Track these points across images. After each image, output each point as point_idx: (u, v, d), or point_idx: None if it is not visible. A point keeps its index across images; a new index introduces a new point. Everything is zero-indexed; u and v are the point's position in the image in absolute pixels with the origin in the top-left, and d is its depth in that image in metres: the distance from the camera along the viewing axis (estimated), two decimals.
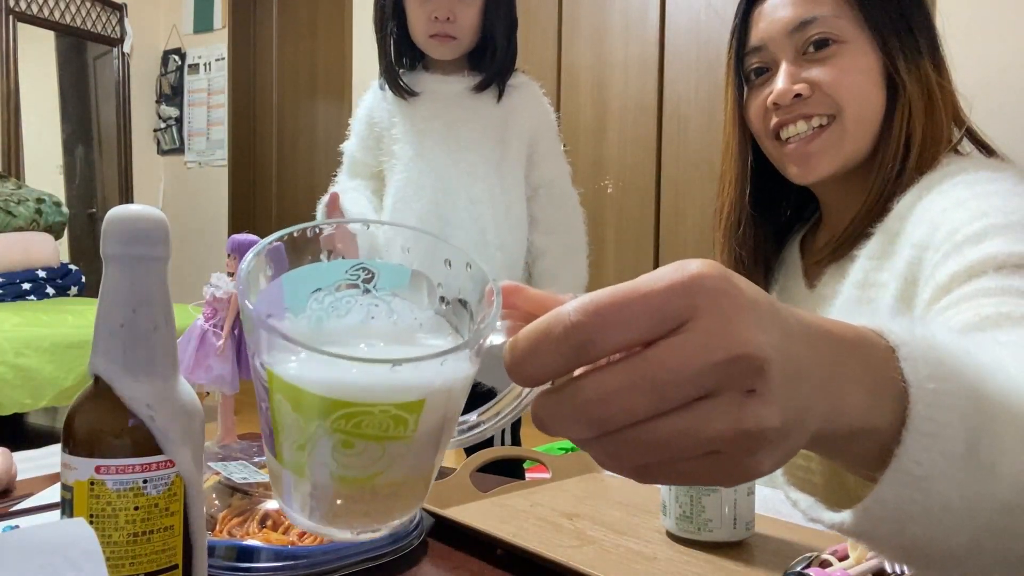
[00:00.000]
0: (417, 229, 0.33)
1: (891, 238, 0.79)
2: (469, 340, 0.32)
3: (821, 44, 0.84)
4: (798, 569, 0.57)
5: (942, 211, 0.74)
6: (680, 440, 0.30)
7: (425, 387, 0.31)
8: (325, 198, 1.33)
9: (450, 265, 0.35)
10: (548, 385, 0.32)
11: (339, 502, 0.34)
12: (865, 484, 0.38)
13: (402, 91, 1.40)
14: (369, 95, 1.48)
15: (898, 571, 0.57)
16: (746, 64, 0.91)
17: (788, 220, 1.01)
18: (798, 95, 0.85)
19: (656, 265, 3.59)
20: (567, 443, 2.71)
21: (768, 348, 0.30)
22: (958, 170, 0.78)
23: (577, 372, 0.31)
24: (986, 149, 0.85)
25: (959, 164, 0.79)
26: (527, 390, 0.34)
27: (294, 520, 0.35)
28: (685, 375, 0.29)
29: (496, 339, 0.34)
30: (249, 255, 0.32)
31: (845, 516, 0.38)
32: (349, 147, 1.47)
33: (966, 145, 0.85)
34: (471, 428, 0.36)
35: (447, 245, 0.34)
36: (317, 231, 0.34)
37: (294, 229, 0.34)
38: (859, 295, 0.81)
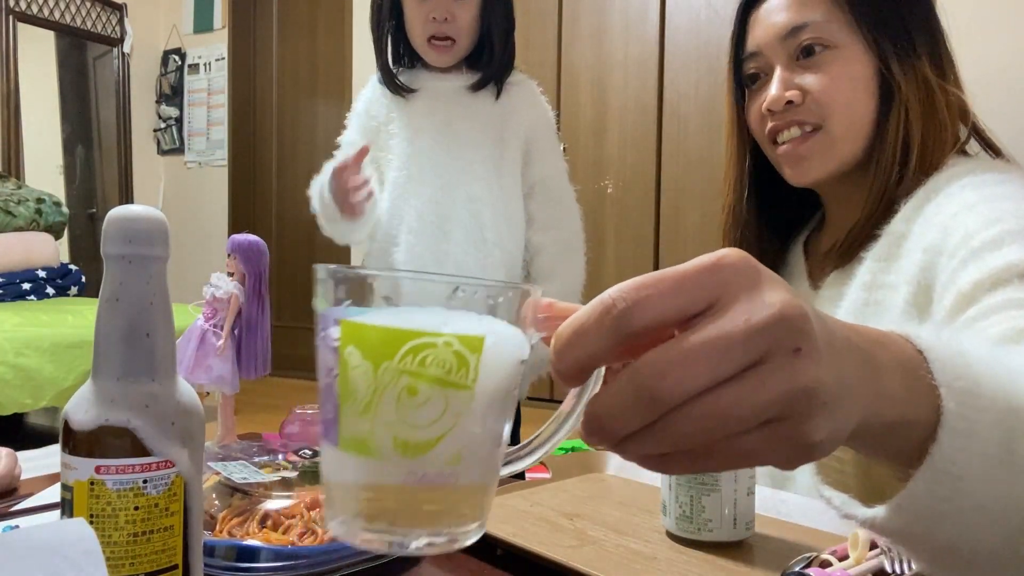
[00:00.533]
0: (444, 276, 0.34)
1: (897, 240, 0.79)
2: (516, 292, 0.34)
3: (810, 51, 0.84)
4: (796, 569, 0.57)
5: (952, 215, 0.73)
6: (739, 408, 0.30)
7: (479, 327, 0.32)
8: (335, 162, 1.29)
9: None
10: (597, 389, 0.33)
11: (402, 485, 0.33)
12: (898, 485, 0.38)
13: (399, 89, 1.40)
14: (368, 89, 1.47)
15: (898, 571, 0.57)
16: (744, 69, 0.91)
17: (792, 222, 1.00)
18: (790, 102, 0.85)
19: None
20: (567, 443, 2.71)
21: (805, 309, 0.30)
22: (964, 172, 0.78)
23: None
24: (993, 150, 0.85)
25: (965, 166, 0.79)
26: (580, 402, 0.34)
27: (345, 532, 0.34)
28: (735, 341, 0.29)
29: (534, 337, 0.35)
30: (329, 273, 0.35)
31: (878, 512, 0.38)
32: (348, 136, 1.47)
33: (973, 145, 0.85)
34: (524, 449, 0.36)
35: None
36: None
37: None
38: (866, 297, 0.80)
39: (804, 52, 0.85)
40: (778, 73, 0.86)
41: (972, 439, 0.36)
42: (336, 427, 0.34)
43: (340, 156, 1.34)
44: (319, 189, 1.34)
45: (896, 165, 0.82)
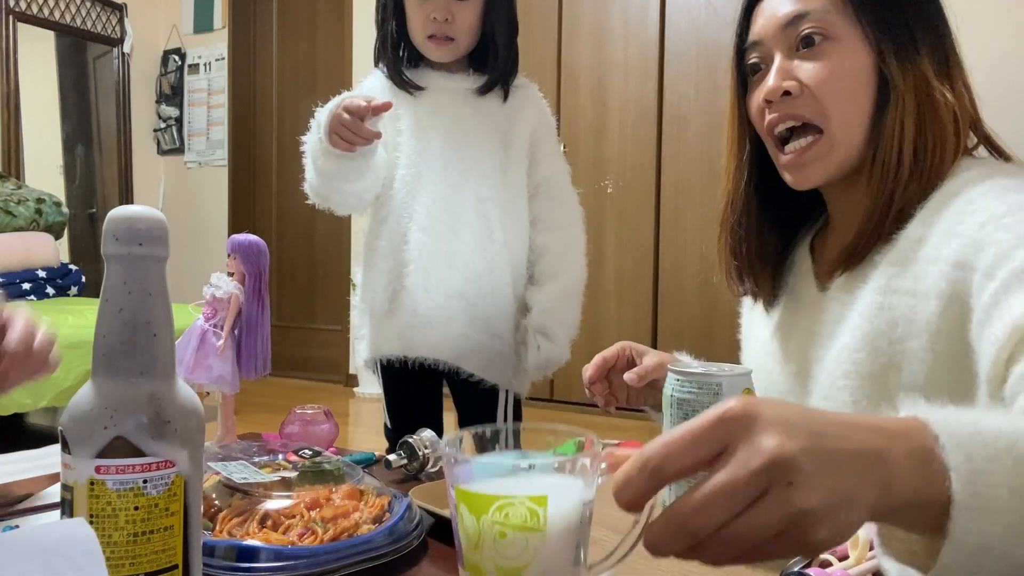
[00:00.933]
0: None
1: (914, 245, 0.78)
2: (575, 459, 0.48)
3: (810, 40, 0.84)
4: (796, 569, 0.57)
5: (979, 226, 0.73)
6: (752, 532, 0.40)
7: (546, 487, 0.46)
8: (348, 97, 1.22)
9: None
10: (653, 517, 0.44)
11: None
12: None
13: (407, 86, 1.39)
14: (371, 79, 1.46)
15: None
16: (746, 59, 0.92)
17: (796, 220, 1.00)
18: (787, 92, 0.85)
19: (656, 265, 3.59)
20: (569, 444, 2.71)
21: (794, 449, 0.40)
22: (981, 177, 0.77)
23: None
24: (1002, 156, 0.85)
25: (980, 170, 0.78)
26: (637, 528, 0.45)
27: None
28: (740, 485, 0.39)
29: (599, 479, 0.49)
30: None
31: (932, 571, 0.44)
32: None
33: (981, 149, 0.85)
34: (602, 561, 0.49)
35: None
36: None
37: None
38: (881, 301, 0.80)
39: (804, 42, 0.85)
40: (777, 62, 0.87)
41: (987, 513, 0.42)
42: (462, 555, 0.49)
43: (357, 95, 1.25)
44: (323, 114, 1.26)
45: (896, 164, 0.82)
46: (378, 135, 1.24)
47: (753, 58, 0.90)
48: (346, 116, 1.20)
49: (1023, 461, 0.43)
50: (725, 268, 0.99)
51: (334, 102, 1.24)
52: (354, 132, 1.21)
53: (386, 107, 1.21)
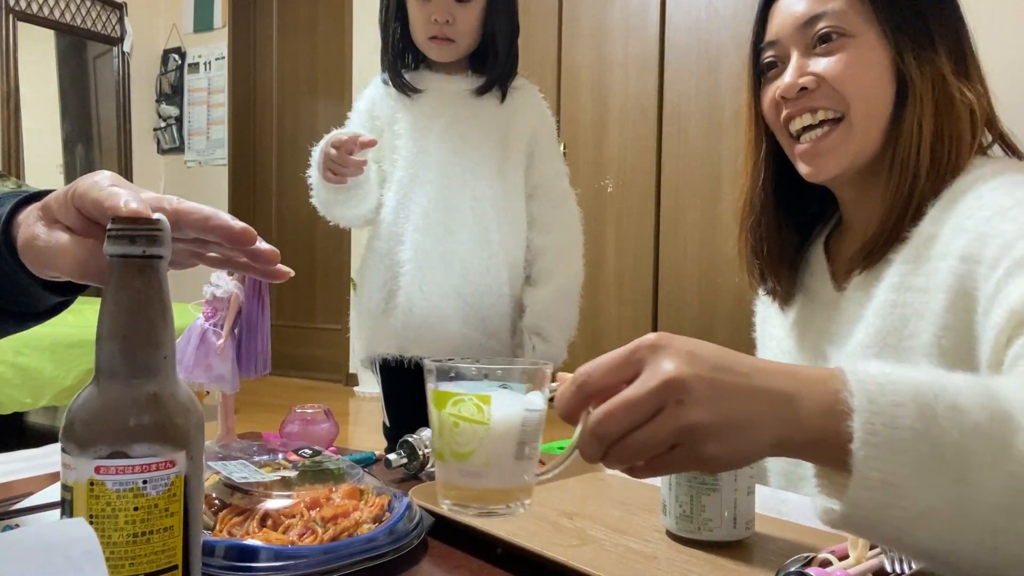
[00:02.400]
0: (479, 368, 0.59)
1: (926, 242, 0.79)
2: (515, 374, 0.58)
3: (827, 38, 0.85)
4: (792, 569, 0.57)
5: (986, 220, 0.73)
6: (650, 441, 0.47)
7: (493, 390, 0.57)
8: (339, 132, 1.30)
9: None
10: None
11: (460, 478, 0.58)
12: None
13: (405, 88, 1.40)
14: (371, 89, 1.48)
15: (898, 571, 0.57)
16: (762, 58, 0.92)
17: (811, 216, 1.00)
18: (804, 88, 0.86)
19: (656, 265, 3.59)
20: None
21: (688, 373, 0.47)
22: (991, 173, 0.77)
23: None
24: (1016, 154, 0.85)
25: (991, 167, 0.79)
26: (575, 438, 0.52)
27: (446, 507, 0.61)
28: (640, 399, 0.47)
29: (547, 393, 0.58)
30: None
31: (835, 509, 0.48)
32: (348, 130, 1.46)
33: (996, 150, 0.85)
34: (546, 469, 0.57)
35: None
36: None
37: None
38: (894, 298, 0.80)
39: (820, 40, 0.85)
40: (794, 60, 0.87)
41: (891, 452, 0.45)
42: (434, 445, 0.60)
43: (346, 131, 1.33)
44: (317, 151, 1.35)
45: (915, 163, 0.82)
46: (363, 163, 1.30)
47: (769, 57, 0.91)
48: (333, 152, 1.29)
49: (929, 407, 0.46)
50: (747, 267, 1.00)
51: (325, 139, 1.32)
52: (342, 165, 1.29)
53: (371, 143, 1.29)
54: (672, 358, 0.47)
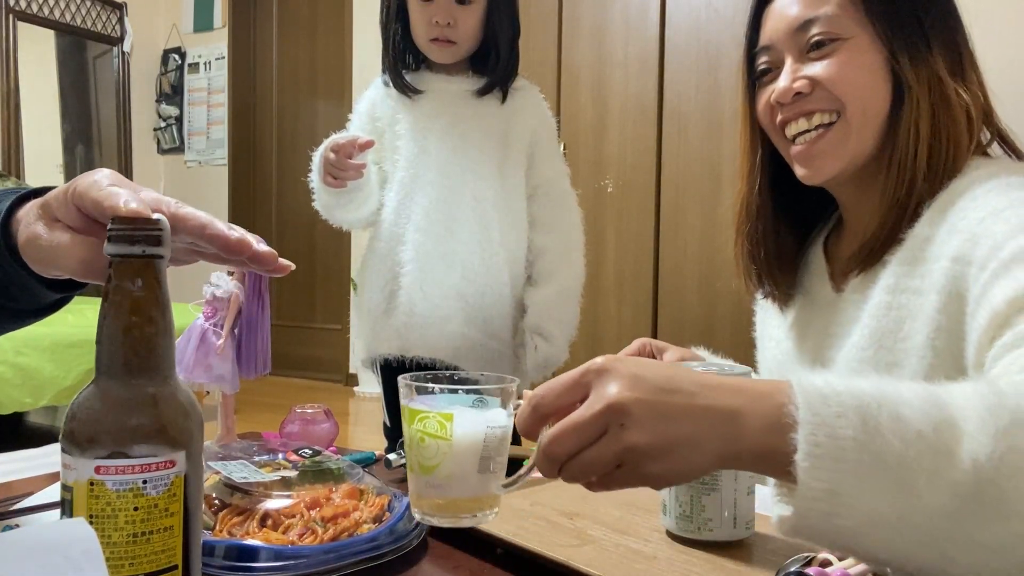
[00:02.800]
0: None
1: (921, 244, 0.78)
2: (474, 399, 0.63)
3: (820, 44, 0.84)
4: (792, 569, 0.57)
5: (979, 221, 0.73)
6: (596, 461, 0.50)
7: (456, 408, 0.61)
8: (338, 136, 1.31)
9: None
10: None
11: (426, 490, 0.62)
12: None
13: (406, 89, 1.40)
14: (372, 90, 1.48)
15: None
16: (756, 63, 0.92)
17: (810, 218, 1.00)
18: (799, 93, 0.85)
19: (656, 264, 3.59)
20: None
21: (629, 398, 0.49)
22: (987, 175, 0.77)
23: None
24: (1016, 153, 0.84)
25: (988, 168, 0.78)
26: (534, 455, 0.54)
27: (416, 516, 0.65)
28: (585, 422, 0.50)
29: (510, 410, 0.62)
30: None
31: (785, 517, 0.49)
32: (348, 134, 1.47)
33: (996, 149, 0.85)
34: (511, 484, 0.61)
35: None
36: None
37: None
38: (889, 300, 0.80)
39: (814, 45, 0.85)
40: (788, 65, 0.87)
41: (834, 462, 0.46)
42: (407, 456, 0.64)
43: (345, 134, 1.34)
44: (317, 156, 1.36)
45: (911, 165, 0.81)
46: (362, 166, 1.31)
47: (763, 63, 0.90)
48: (332, 156, 1.29)
49: (872, 417, 0.47)
50: (744, 272, 0.99)
51: (325, 144, 1.32)
52: (341, 169, 1.29)
53: (369, 144, 1.29)
54: (616, 382, 0.50)
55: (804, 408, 0.48)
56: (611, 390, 0.50)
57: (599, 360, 0.52)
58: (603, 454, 0.50)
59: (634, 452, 0.49)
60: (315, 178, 1.37)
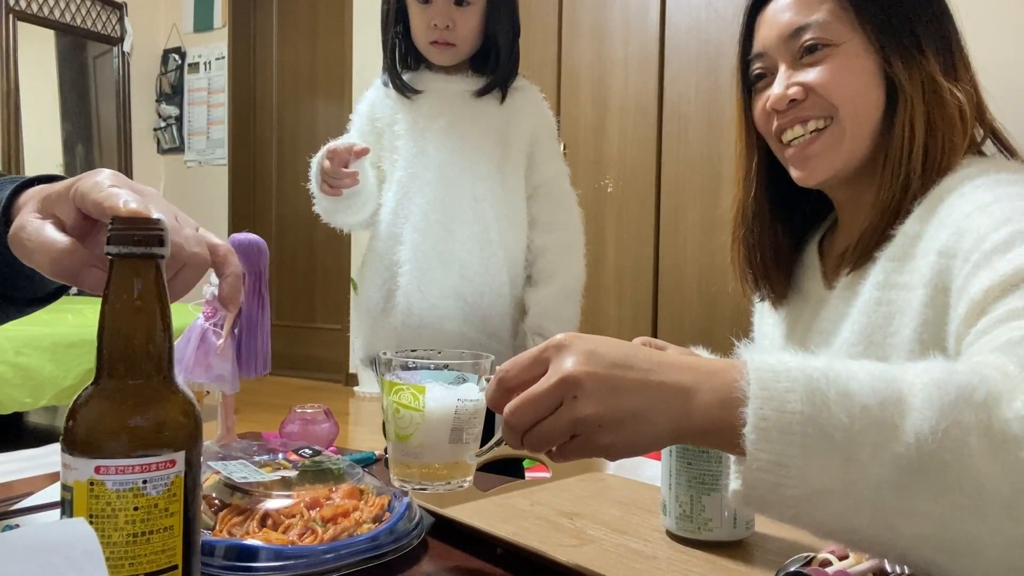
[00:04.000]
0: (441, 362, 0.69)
1: (911, 240, 0.79)
2: (449, 374, 0.67)
3: (813, 49, 0.85)
4: (792, 569, 0.57)
5: (966, 216, 0.73)
6: (552, 431, 0.53)
7: (428, 383, 0.66)
8: (334, 143, 1.32)
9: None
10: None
11: (402, 456, 0.67)
12: None
13: (405, 89, 1.40)
14: (372, 91, 1.48)
15: (899, 571, 0.57)
16: (751, 69, 0.92)
17: (807, 220, 1.01)
18: (793, 100, 0.86)
19: (656, 264, 3.58)
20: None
21: (582, 371, 0.52)
22: (978, 172, 0.77)
23: None
24: (1009, 151, 0.85)
25: (979, 166, 0.79)
26: (501, 427, 0.57)
27: (395, 482, 0.69)
28: (541, 395, 0.53)
29: (482, 385, 0.66)
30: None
31: (736, 488, 0.51)
32: (348, 141, 1.48)
33: (989, 147, 0.85)
34: (484, 452, 0.66)
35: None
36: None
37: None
38: (879, 296, 0.81)
39: (807, 51, 0.85)
40: (782, 72, 0.87)
41: (781, 434, 0.48)
42: (385, 427, 0.68)
43: (341, 141, 1.35)
44: (315, 163, 1.37)
45: (906, 165, 0.82)
46: (357, 173, 1.32)
47: (757, 68, 0.91)
48: (327, 164, 1.30)
49: (820, 392, 0.49)
50: (740, 276, 1.00)
51: (322, 151, 1.33)
52: (336, 177, 1.30)
53: (364, 152, 1.30)
54: (572, 357, 0.53)
55: (755, 383, 0.50)
56: (567, 364, 0.52)
57: (560, 336, 0.55)
58: (558, 425, 0.52)
59: (586, 423, 0.52)
60: (313, 185, 1.38)
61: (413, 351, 0.70)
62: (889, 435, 0.47)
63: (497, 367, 0.59)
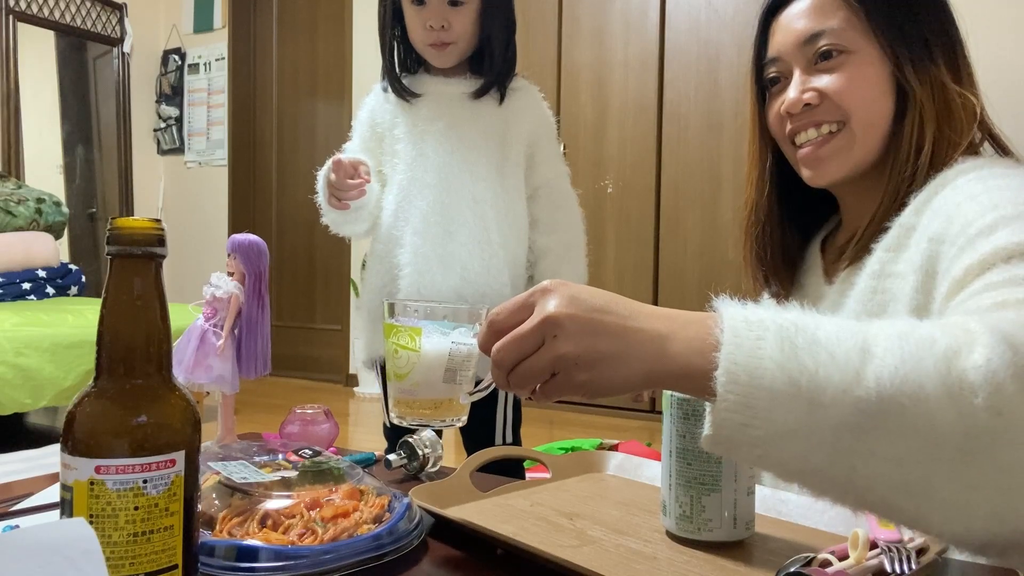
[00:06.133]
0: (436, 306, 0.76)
1: (906, 231, 0.81)
2: (446, 325, 0.73)
3: (827, 55, 0.87)
4: (792, 569, 0.57)
5: (956, 205, 0.75)
6: (535, 369, 0.56)
7: (423, 325, 0.72)
8: (340, 156, 1.33)
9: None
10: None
11: (399, 394, 0.73)
12: None
13: (404, 93, 1.40)
14: (371, 97, 1.48)
15: (898, 571, 0.57)
16: (765, 73, 0.95)
17: (813, 220, 1.03)
18: (807, 104, 0.88)
19: (656, 264, 3.59)
20: (567, 443, 2.71)
21: (563, 313, 0.55)
22: (972, 167, 0.80)
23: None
24: (1005, 152, 0.87)
25: (974, 161, 0.81)
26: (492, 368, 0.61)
27: (392, 417, 0.76)
28: (525, 334, 0.56)
29: (474, 330, 0.73)
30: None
31: (706, 432, 0.53)
32: (351, 147, 1.48)
33: (987, 148, 0.87)
34: (476, 392, 0.68)
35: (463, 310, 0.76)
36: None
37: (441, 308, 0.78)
38: (874, 285, 0.83)
39: (821, 57, 0.88)
40: (796, 77, 0.90)
41: (751, 378, 0.51)
42: (387, 367, 0.76)
43: (346, 155, 1.35)
44: (321, 176, 1.38)
45: (913, 166, 0.84)
46: (363, 183, 1.33)
47: (772, 73, 0.94)
48: (332, 176, 1.32)
49: (789, 340, 0.52)
50: (752, 273, 1.03)
51: (327, 164, 1.34)
52: (342, 189, 1.32)
53: (367, 175, 1.33)
54: (555, 300, 0.56)
55: (728, 331, 0.53)
56: (549, 306, 0.56)
57: (546, 282, 0.58)
58: (539, 362, 0.56)
59: (564, 361, 0.55)
60: (321, 197, 1.39)
61: (417, 300, 0.74)
62: (851, 380, 0.50)
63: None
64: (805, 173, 0.92)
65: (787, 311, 0.55)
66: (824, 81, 0.88)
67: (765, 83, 0.96)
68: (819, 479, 0.52)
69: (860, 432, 0.50)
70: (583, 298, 0.56)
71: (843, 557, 0.59)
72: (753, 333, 0.52)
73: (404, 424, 0.73)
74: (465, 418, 0.72)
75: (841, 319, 0.55)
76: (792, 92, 0.89)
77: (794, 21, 0.90)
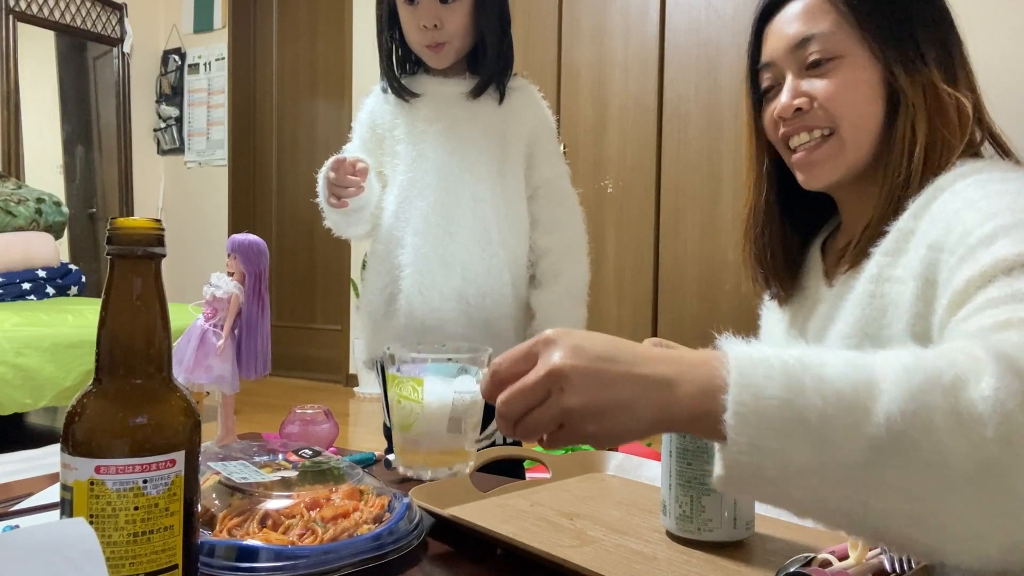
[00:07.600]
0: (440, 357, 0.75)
1: (905, 235, 0.81)
2: (448, 370, 0.73)
3: (818, 63, 0.88)
4: (792, 569, 0.57)
5: (955, 212, 0.75)
6: (541, 421, 0.56)
7: (425, 376, 0.71)
8: (339, 155, 1.33)
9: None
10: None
11: (404, 443, 0.74)
12: None
13: (403, 93, 1.40)
14: (371, 98, 1.48)
15: (898, 571, 0.57)
16: (760, 78, 0.96)
17: (814, 223, 1.04)
18: (799, 109, 0.89)
19: (656, 264, 3.59)
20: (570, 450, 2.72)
21: (567, 365, 0.55)
22: (971, 171, 0.79)
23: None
24: (1005, 153, 0.87)
25: (972, 165, 0.81)
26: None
27: (400, 468, 0.79)
28: (530, 387, 0.56)
29: (477, 377, 0.72)
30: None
31: (717, 473, 0.53)
32: (351, 149, 1.48)
33: (988, 149, 0.87)
34: (482, 440, 0.71)
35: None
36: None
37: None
38: (872, 289, 0.83)
39: (813, 63, 0.89)
40: (788, 81, 0.91)
41: (759, 419, 0.50)
42: (389, 417, 0.82)
43: (346, 154, 1.35)
44: (321, 177, 1.38)
45: (907, 168, 0.84)
46: (362, 179, 1.32)
47: (766, 79, 0.95)
48: (332, 175, 1.32)
49: (796, 378, 0.51)
50: (752, 275, 1.04)
51: (326, 164, 1.34)
52: (342, 187, 1.32)
53: (366, 169, 1.33)
54: (559, 351, 0.56)
55: (735, 372, 0.52)
56: (554, 358, 0.55)
57: (549, 331, 0.58)
58: (546, 415, 0.55)
59: (572, 414, 0.55)
60: (321, 199, 1.39)
61: (419, 345, 0.73)
62: (861, 417, 0.50)
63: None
64: (800, 177, 0.93)
65: (790, 348, 0.55)
66: (815, 86, 0.88)
67: (760, 88, 0.97)
68: (833, 515, 0.52)
69: (872, 468, 0.50)
70: (586, 347, 0.56)
71: (843, 557, 0.59)
72: (759, 372, 0.52)
73: (411, 475, 0.72)
74: (473, 463, 0.71)
75: (845, 352, 0.55)
76: (784, 97, 0.90)
77: (785, 26, 0.91)
